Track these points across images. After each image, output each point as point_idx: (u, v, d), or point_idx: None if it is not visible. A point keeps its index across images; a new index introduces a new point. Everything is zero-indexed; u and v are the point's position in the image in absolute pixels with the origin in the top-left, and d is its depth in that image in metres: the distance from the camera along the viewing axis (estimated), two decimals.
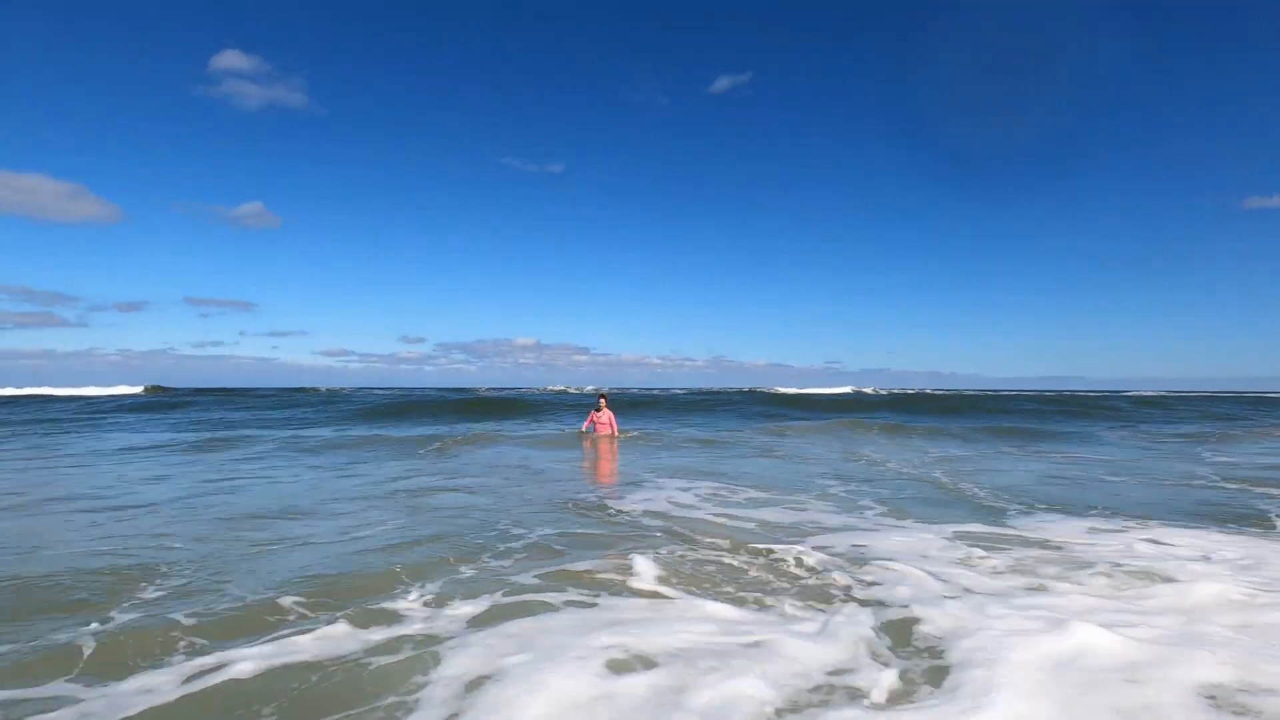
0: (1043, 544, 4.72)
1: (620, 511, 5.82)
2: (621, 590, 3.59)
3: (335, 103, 61.33)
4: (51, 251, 67.16)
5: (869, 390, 56.14)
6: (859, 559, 4.25)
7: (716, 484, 7.50)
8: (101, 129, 58.93)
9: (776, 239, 72.47)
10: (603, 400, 13.87)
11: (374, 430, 16.10)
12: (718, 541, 4.68)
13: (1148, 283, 67.67)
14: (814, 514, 5.84)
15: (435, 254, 71.32)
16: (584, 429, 14.07)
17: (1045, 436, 15.83)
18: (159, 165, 61.41)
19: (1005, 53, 55.56)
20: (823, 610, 3.32)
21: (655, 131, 66.03)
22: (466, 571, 3.91)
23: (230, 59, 56.61)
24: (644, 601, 3.40)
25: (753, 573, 3.97)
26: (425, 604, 3.33)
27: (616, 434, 13.63)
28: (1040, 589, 3.69)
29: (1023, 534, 5.05)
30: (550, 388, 68.82)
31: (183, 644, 2.85)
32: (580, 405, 25.48)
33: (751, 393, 48.21)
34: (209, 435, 14.23)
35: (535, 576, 3.77)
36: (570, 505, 6.13)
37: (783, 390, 54.81)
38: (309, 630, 2.96)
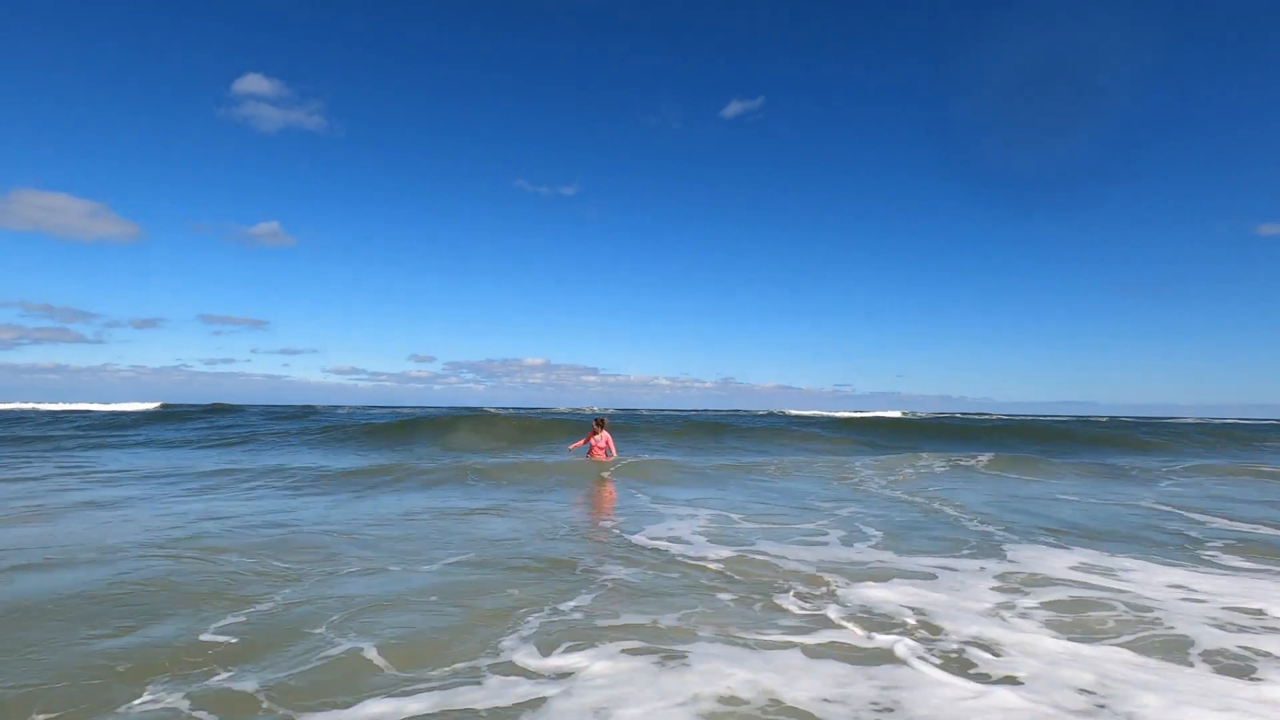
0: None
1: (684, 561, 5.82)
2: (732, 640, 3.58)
3: (352, 125, 62.48)
4: (72, 269, 68.24)
5: (920, 413, 55.11)
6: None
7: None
8: (125, 149, 60.18)
9: (786, 262, 72.83)
10: (598, 424, 13.16)
11: (375, 458, 16.12)
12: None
13: (1163, 308, 67.41)
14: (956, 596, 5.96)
15: (447, 274, 72.06)
16: (572, 448, 13.43)
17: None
18: (179, 185, 62.57)
19: (1018, 74, 55.96)
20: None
21: (667, 154, 66.77)
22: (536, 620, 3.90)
23: (252, 82, 57.70)
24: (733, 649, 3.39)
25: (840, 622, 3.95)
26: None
27: (614, 456, 13.14)
28: None
29: None
30: (568, 408, 68.88)
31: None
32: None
33: (799, 416, 47.87)
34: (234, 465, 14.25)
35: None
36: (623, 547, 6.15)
37: (831, 414, 54.36)
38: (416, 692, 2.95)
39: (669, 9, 62.46)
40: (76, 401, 61.56)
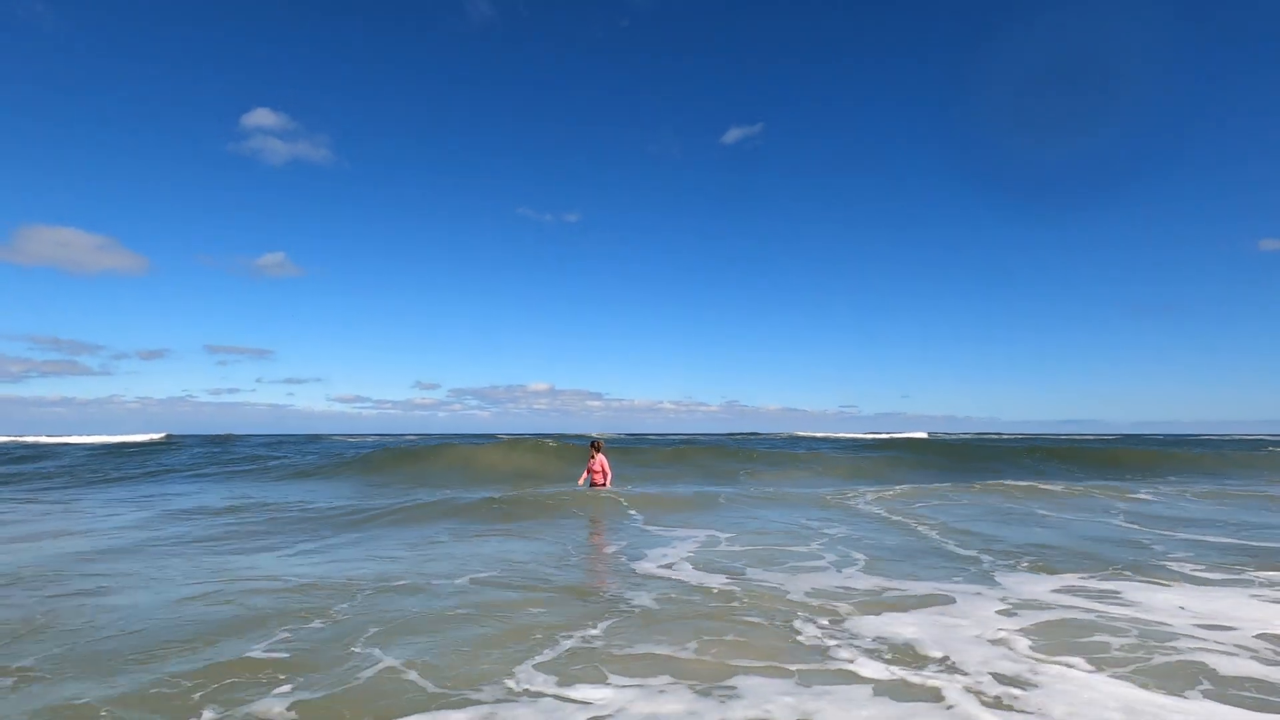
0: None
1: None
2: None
3: (358, 157, 63.90)
4: (80, 302, 69.13)
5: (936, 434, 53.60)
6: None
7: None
8: (136, 183, 61.57)
9: (788, 284, 73.60)
10: (595, 447, 13.36)
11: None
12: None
13: (1167, 325, 67.57)
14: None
15: (451, 302, 72.92)
16: (580, 482, 13.48)
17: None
18: (187, 217, 63.83)
19: (1026, 76, 56.57)
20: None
21: (669, 181, 68.16)
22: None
23: (260, 116, 59.20)
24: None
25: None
26: None
27: (610, 481, 13.27)
28: None
29: None
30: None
31: None
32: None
33: (815, 438, 46.89)
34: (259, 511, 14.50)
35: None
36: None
37: (850, 435, 53.34)
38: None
39: (669, 38, 64.13)
40: (83, 434, 61.88)
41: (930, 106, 61.81)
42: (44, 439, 58.10)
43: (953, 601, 5.59)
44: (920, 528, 9.54)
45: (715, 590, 5.85)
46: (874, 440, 39.51)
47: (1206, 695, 3.61)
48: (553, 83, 66.03)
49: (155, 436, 54.22)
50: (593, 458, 13.30)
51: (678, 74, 66.67)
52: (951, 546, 8.13)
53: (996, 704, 3.46)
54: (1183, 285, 64.45)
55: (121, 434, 57.69)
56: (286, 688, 3.61)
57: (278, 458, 26.53)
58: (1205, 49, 56.53)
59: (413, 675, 3.79)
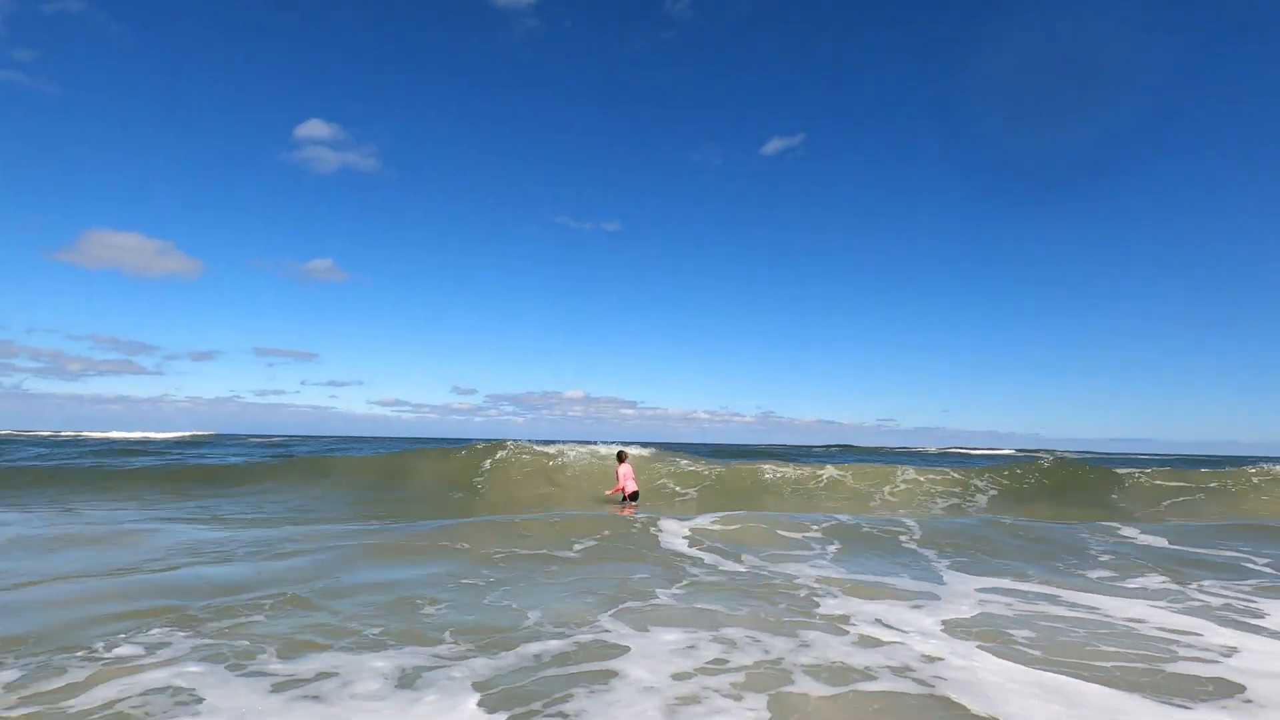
0: None
1: None
2: None
3: (405, 166, 65.94)
4: (138, 304, 72.51)
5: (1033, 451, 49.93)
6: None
7: None
8: (193, 190, 64.69)
9: (826, 296, 72.93)
10: (620, 457, 13.63)
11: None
12: None
13: (1226, 341, 64.65)
14: None
15: (490, 308, 74.38)
16: (611, 494, 13.65)
17: None
18: (240, 223, 66.64)
19: (1028, 75, 55.18)
20: None
21: (709, 191, 68.48)
22: None
23: (313, 127, 61.59)
24: None
25: None
26: None
27: (636, 488, 13.13)
28: None
29: None
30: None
31: None
32: None
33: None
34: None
35: None
36: None
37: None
38: None
39: (711, 49, 64.64)
40: (135, 430, 64.79)
41: (957, 116, 60.72)
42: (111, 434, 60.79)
43: None
44: None
45: None
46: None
47: None
48: (595, 93, 67.19)
49: (208, 433, 56.32)
50: (619, 467, 13.39)
51: (719, 85, 67.10)
52: None
53: None
54: (1238, 303, 61.58)
55: (171, 431, 60.27)
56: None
57: None
58: (1206, 46, 54.37)
59: None
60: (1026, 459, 19.24)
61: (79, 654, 3.61)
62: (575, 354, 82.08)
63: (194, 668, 3.45)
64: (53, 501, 11.95)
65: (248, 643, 3.87)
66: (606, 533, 7.98)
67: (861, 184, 66.12)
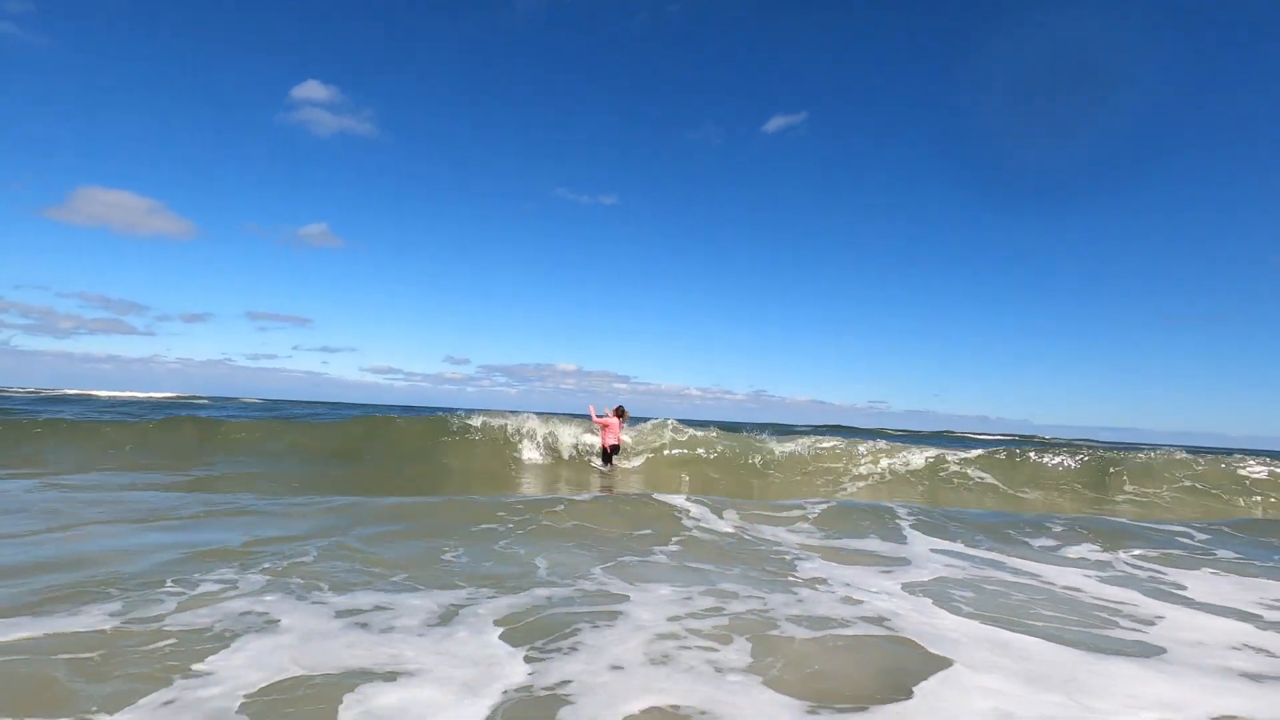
0: None
1: None
2: None
3: (402, 133, 65.53)
4: (129, 263, 72.30)
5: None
6: None
7: None
8: (186, 150, 64.09)
9: (821, 276, 73.46)
10: (618, 412, 13.51)
11: None
12: None
13: (1209, 334, 65.78)
14: None
15: (485, 278, 74.53)
16: (595, 418, 13.52)
17: None
18: (234, 186, 66.19)
19: (1029, 74, 55.58)
20: None
21: (708, 168, 68.42)
22: None
23: (310, 89, 61.05)
24: None
25: None
26: None
27: (624, 446, 13.21)
28: None
29: None
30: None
31: None
32: None
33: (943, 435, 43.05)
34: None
35: None
36: None
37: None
38: None
39: (714, 25, 64.22)
40: (125, 389, 64.87)
41: (958, 100, 60.88)
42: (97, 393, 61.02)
43: None
44: None
45: None
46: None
47: None
48: (597, 66, 66.85)
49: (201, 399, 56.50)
50: (610, 419, 13.52)
51: (722, 61, 66.88)
52: None
53: None
54: (1225, 295, 62.58)
55: (162, 392, 60.35)
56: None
57: None
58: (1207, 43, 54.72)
59: None
60: (1016, 444, 20.38)
61: (166, 587, 4.17)
62: (569, 327, 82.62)
63: (269, 598, 4.03)
64: None
65: (302, 580, 4.44)
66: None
67: (861, 165, 66.44)
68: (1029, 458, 17.53)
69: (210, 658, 3.11)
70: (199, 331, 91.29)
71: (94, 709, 2.59)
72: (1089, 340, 72.69)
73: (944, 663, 3.59)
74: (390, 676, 2.99)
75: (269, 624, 3.58)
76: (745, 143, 66.91)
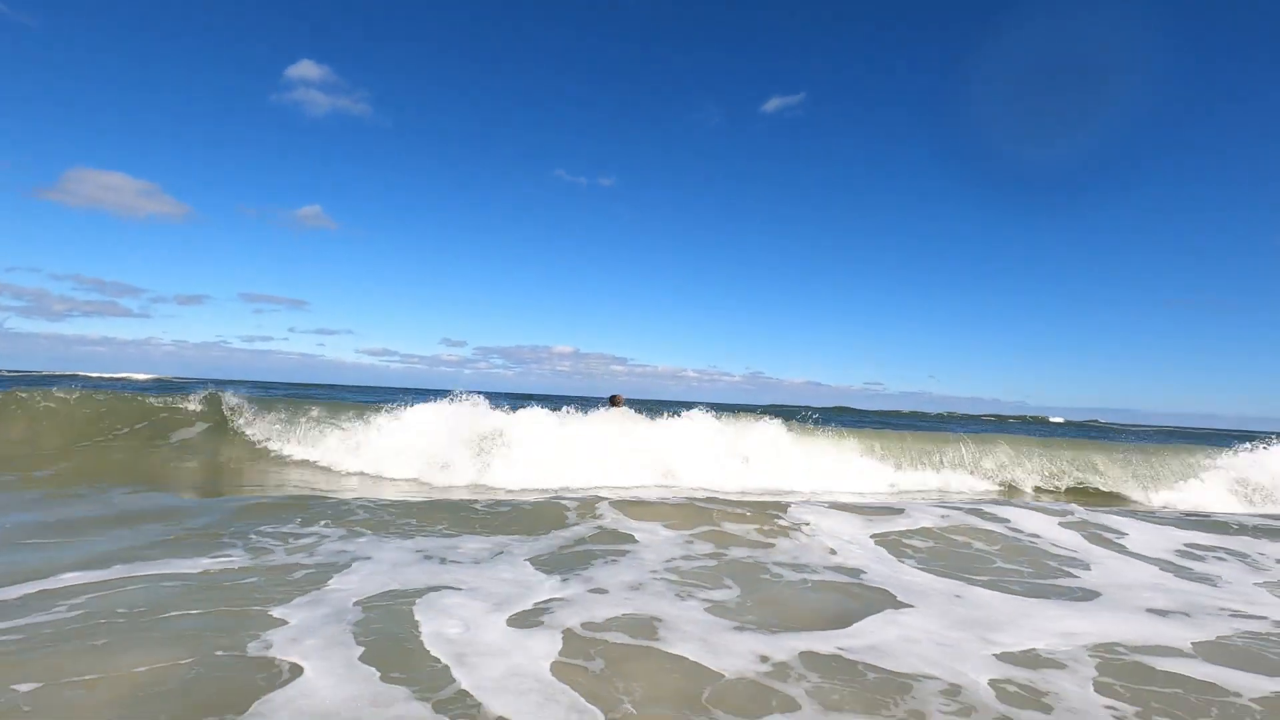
0: None
1: None
2: None
3: (398, 113, 63.59)
4: (123, 245, 72.72)
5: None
6: None
7: None
8: (179, 131, 62.58)
9: (819, 257, 71.95)
10: (613, 401, 12.60)
11: None
12: None
13: (1207, 316, 63.37)
14: None
15: (482, 259, 73.77)
16: None
17: None
18: (228, 167, 64.54)
19: (1032, 69, 53.08)
20: None
21: (707, 148, 66.59)
22: None
23: (304, 69, 59.72)
24: None
25: None
26: None
27: None
28: None
29: None
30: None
31: None
32: None
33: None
34: None
35: None
36: None
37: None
38: None
39: (712, 4, 61.70)
40: (121, 372, 65.83)
41: (957, 82, 57.62)
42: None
43: None
44: None
45: None
46: None
47: None
48: (595, 47, 64.35)
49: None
50: (609, 411, 12.50)
51: (720, 40, 64.14)
52: None
53: None
54: (1216, 278, 59.98)
55: (157, 374, 61.16)
56: None
57: None
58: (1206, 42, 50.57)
59: None
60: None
61: (264, 536, 5.35)
62: (566, 308, 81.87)
63: (362, 539, 5.17)
64: None
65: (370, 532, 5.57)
66: None
67: (858, 146, 64.21)
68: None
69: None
70: (194, 314, 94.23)
71: (272, 604, 3.66)
72: (1085, 324, 70.10)
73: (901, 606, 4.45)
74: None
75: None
76: (744, 123, 64.62)
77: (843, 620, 4.07)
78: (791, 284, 74.32)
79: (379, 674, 2.99)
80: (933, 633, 3.95)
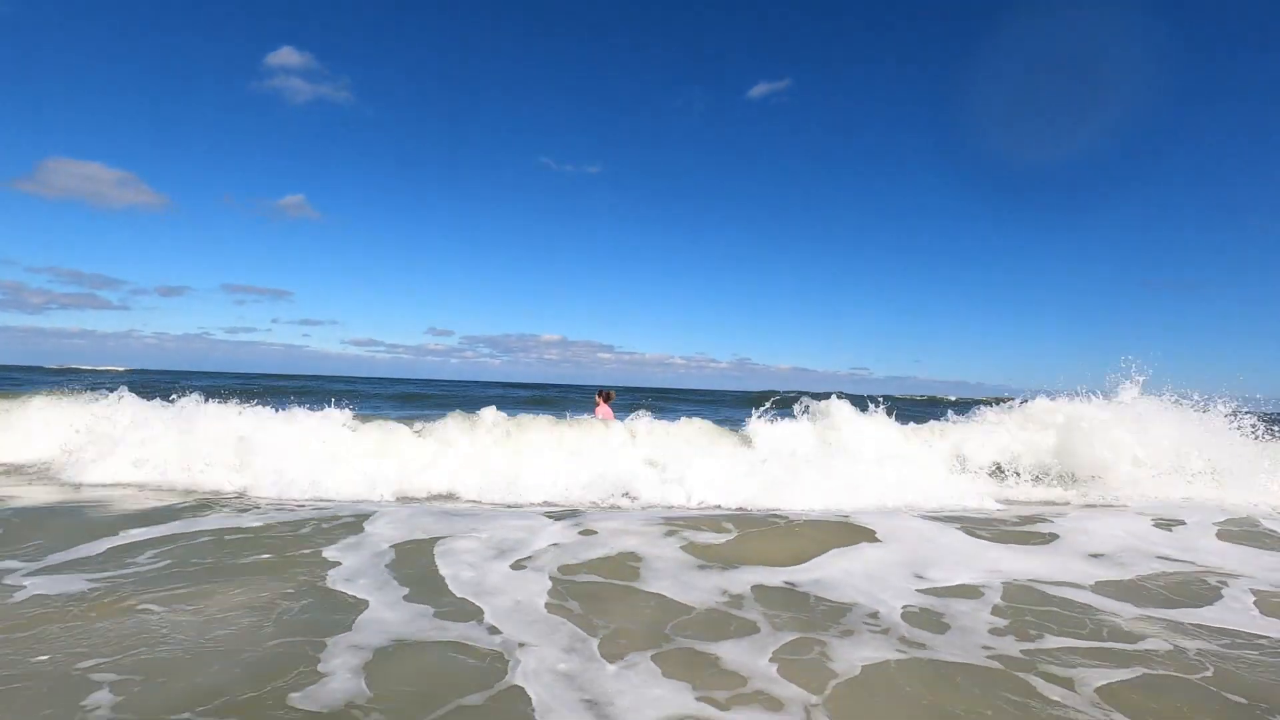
0: None
1: None
2: None
3: (380, 101, 61.58)
4: (101, 236, 71.26)
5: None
6: None
7: None
8: (157, 120, 60.96)
9: (805, 244, 68.96)
10: (604, 396, 12.19)
11: None
12: None
13: (1182, 304, 58.66)
14: None
15: (467, 248, 71.82)
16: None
17: None
18: (208, 156, 63.03)
19: (1032, 64, 48.95)
20: None
21: (692, 135, 64.01)
22: None
23: (284, 56, 58.10)
24: None
25: None
26: None
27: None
28: None
29: None
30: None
31: None
32: None
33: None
34: None
35: None
36: None
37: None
38: None
39: None
40: (102, 364, 63.53)
41: (945, 69, 53.32)
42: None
43: None
44: None
45: None
46: None
47: None
48: (579, 32, 61.77)
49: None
50: (599, 406, 12.11)
51: (705, 27, 60.99)
52: None
53: None
54: (1202, 265, 55.61)
55: (138, 366, 60.20)
56: None
57: None
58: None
59: None
60: None
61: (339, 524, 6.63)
62: (553, 296, 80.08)
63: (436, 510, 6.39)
64: None
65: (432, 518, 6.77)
66: None
67: (844, 132, 60.85)
68: None
69: None
70: (175, 305, 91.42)
71: (321, 546, 4.83)
72: (1065, 307, 65.36)
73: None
74: None
75: None
76: (730, 110, 61.67)
77: (802, 555, 4.95)
78: (778, 271, 72.47)
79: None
80: (878, 561, 4.80)
